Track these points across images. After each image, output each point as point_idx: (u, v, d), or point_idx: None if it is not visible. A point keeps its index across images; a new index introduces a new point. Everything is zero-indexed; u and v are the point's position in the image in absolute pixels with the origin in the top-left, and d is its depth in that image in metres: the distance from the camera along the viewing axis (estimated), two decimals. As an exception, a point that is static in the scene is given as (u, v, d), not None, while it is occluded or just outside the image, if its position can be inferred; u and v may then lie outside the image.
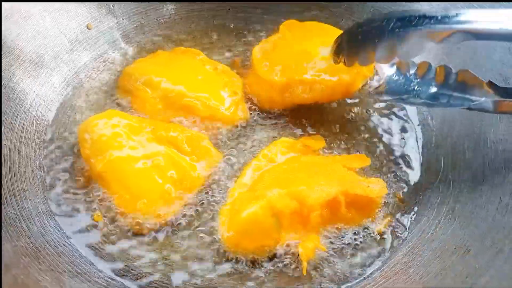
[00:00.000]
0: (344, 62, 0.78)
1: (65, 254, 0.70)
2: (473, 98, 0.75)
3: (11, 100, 0.82)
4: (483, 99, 0.74)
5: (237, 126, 0.88)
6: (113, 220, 0.76)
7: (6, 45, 0.84)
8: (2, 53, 0.83)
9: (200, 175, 0.80)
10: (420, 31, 0.65)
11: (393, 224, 0.77)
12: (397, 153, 0.86)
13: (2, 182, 0.73)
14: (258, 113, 0.90)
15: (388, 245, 0.75)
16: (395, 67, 0.85)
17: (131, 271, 0.72)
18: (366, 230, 0.76)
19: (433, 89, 0.80)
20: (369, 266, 0.73)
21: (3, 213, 0.70)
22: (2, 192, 0.72)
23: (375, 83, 0.85)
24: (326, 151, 0.85)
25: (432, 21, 0.64)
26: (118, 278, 0.71)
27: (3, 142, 0.78)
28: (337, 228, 0.75)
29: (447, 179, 0.81)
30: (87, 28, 0.97)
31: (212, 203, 0.78)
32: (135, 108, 0.89)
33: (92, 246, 0.74)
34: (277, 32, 0.93)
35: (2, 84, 0.81)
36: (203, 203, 0.78)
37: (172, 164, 0.78)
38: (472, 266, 0.65)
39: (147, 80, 0.89)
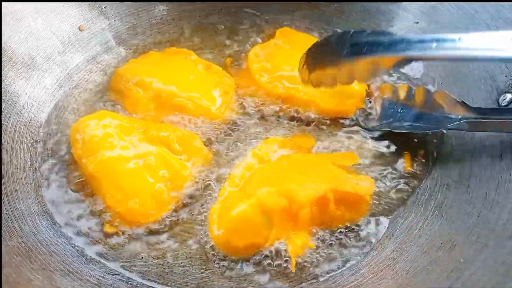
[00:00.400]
0: (312, 83, 0.80)
1: (57, 253, 0.71)
2: (452, 117, 0.78)
3: (4, 101, 0.83)
4: (459, 117, 0.77)
5: (228, 125, 0.89)
6: (105, 220, 0.76)
7: (-2, 46, 0.85)
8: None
9: (191, 174, 0.81)
10: (370, 58, 0.69)
11: (380, 221, 0.78)
12: (385, 151, 0.87)
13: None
14: (249, 112, 0.91)
15: (376, 242, 0.76)
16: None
17: (123, 270, 0.73)
18: (355, 227, 0.77)
19: (415, 112, 0.84)
20: (357, 262, 0.74)
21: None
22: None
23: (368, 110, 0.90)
24: (316, 149, 0.86)
25: (380, 48, 0.67)
26: (109, 277, 0.71)
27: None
28: (326, 225, 0.76)
29: (435, 175, 0.82)
30: (79, 29, 0.98)
31: (203, 202, 0.79)
32: (127, 109, 0.90)
33: (84, 246, 0.74)
34: (273, 37, 0.95)
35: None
36: (194, 202, 0.79)
37: (163, 164, 0.79)
38: (457, 260, 0.66)
39: (139, 81, 0.90)
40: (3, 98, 0.83)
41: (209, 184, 0.81)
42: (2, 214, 0.71)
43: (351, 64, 0.71)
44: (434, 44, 0.64)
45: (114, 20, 1.01)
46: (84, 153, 0.79)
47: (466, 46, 0.62)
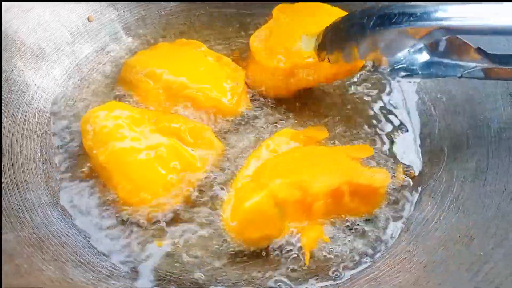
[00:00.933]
0: (328, 60, 0.77)
1: (68, 244, 0.70)
2: (464, 64, 0.74)
3: (13, 92, 0.82)
4: (473, 65, 0.72)
5: (239, 117, 0.88)
6: (116, 211, 0.75)
7: (8, 37, 0.84)
8: (3, 46, 0.83)
9: (203, 165, 0.80)
10: (400, 28, 0.65)
11: (397, 213, 0.77)
12: (400, 143, 0.85)
13: (5, 174, 0.73)
14: (260, 104, 0.90)
15: (392, 234, 0.75)
16: None
17: (135, 260, 0.72)
18: (369, 219, 0.76)
19: (425, 57, 0.78)
20: (372, 255, 0.72)
21: (6, 204, 0.69)
22: (5, 183, 0.72)
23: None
24: (329, 141, 0.85)
25: (411, 18, 0.63)
26: (122, 268, 0.70)
27: (5, 134, 0.77)
28: (340, 218, 0.75)
29: (451, 168, 0.81)
30: (88, 20, 0.97)
31: (215, 193, 0.78)
32: (137, 100, 0.89)
33: (96, 237, 0.73)
34: (271, 18, 0.93)
35: (3, 76, 0.81)
36: (206, 193, 0.78)
37: (175, 155, 0.78)
38: (476, 254, 0.65)
39: (149, 72, 0.88)
40: (12, 89, 0.82)
41: (221, 175, 0.80)
42: (13, 205, 0.70)
43: (377, 36, 0.67)
44: (471, 14, 0.59)
45: (123, 11, 1.00)
46: (95, 144, 0.77)
47: (502, 15, 0.58)
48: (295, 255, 0.72)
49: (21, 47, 0.86)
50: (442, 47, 0.77)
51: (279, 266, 0.72)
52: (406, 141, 0.86)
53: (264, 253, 0.72)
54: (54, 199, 0.76)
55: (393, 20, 0.65)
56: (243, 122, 0.87)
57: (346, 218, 0.75)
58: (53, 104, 0.88)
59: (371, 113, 0.90)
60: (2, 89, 0.80)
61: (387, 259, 0.71)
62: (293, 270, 0.71)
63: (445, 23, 0.61)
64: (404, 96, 0.92)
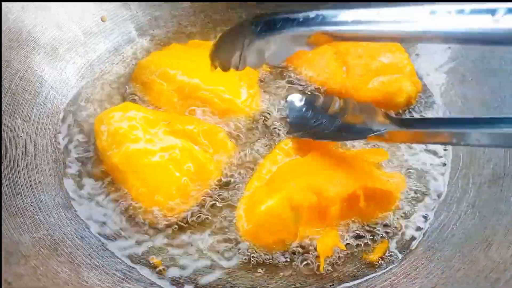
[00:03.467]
0: (221, 66, 0.75)
1: (83, 246, 0.70)
2: (374, 128, 0.73)
3: (27, 92, 0.82)
4: (383, 128, 0.72)
5: (253, 119, 0.87)
6: (130, 213, 0.75)
7: (22, 36, 0.84)
8: (17, 45, 0.83)
9: (217, 168, 0.80)
10: (284, 33, 0.64)
11: (413, 219, 0.76)
12: (416, 149, 0.85)
13: (19, 174, 0.73)
14: (274, 106, 0.89)
15: (408, 240, 0.74)
16: (303, 101, 0.86)
17: (149, 264, 0.71)
18: (385, 225, 0.75)
19: (339, 122, 0.78)
20: (388, 261, 0.72)
21: (21, 205, 0.69)
22: (20, 184, 0.72)
23: None
24: (344, 146, 0.84)
25: (294, 23, 0.63)
26: (135, 271, 0.70)
27: (19, 135, 0.77)
28: (356, 223, 0.74)
29: (466, 173, 0.80)
30: (101, 20, 0.96)
31: (229, 196, 0.78)
32: (150, 101, 0.89)
33: (110, 239, 0.73)
34: None
35: (18, 76, 0.81)
36: (220, 196, 0.78)
37: (188, 157, 0.78)
38: (495, 260, 0.64)
39: (163, 73, 0.88)
40: (26, 89, 0.82)
41: (235, 178, 0.79)
42: (27, 206, 0.70)
43: (263, 42, 0.66)
44: (351, 18, 0.58)
45: (136, 11, 1.00)
46: (109, 145, 0.77)
47: (385, 20, 0.56)
48: (310, 261, 0.71)
49: (35, 47, 0.86)
50: (356, 112, 0.77)
51: (294, 271, 0.71)
52: (421, 146, 0.85)
53: (279, 258, 0.71)
54: (67, 201, 0.76)
55: (278, 26, 0.64)
56: (257, 124, 0.86)
57: (362, 223, 0.74)
58: (66, 104, 0.87)
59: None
60: (16, 88, 0.80)
61: (403, 265, 0.71)
62: (308, 275, 0.71)
63: (325, 28, 0.61)
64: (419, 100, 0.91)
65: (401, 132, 0.72)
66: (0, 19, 0.81)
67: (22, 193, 0.72)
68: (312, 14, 0.62)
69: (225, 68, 0.75)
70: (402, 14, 0.55)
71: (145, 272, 0.71)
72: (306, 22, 0.62)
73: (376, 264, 0.72)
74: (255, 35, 0.67)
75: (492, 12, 0.47)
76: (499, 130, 0.62)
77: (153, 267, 0.71)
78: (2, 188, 0.69)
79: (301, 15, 0.63)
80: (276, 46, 0.67)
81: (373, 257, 0.72)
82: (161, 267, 0.71)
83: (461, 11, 0.50)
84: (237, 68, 0.73)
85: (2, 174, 0.71)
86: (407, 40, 0.72)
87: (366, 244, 0.73)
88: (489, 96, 0.84)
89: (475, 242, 0.69)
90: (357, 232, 0.74)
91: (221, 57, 0.74)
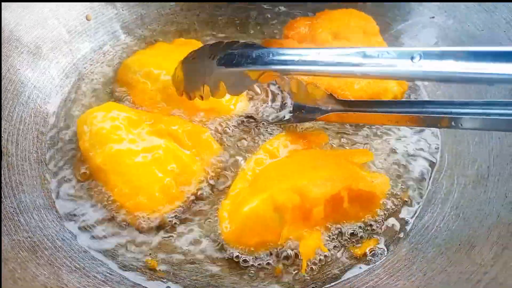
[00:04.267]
0: (186, 94, 0.80)
1: (63, 248, 0.69)
2: (323, 108, 0.79)
3: (9, 91, 0.81)
4: (329, 108, 0.78)
5: (238, 119, 0.86)
6: (112, 215, 0.74)
7: (4, 35, 0.83)
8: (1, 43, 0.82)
9: (201, 168, 0.79)
10: (239, 69, 0.70)
11: (396, 220, 0.76)
12: (399, 148, 0.84)
13: (0, 174, 0.72)
14: (259, 107, 0.88)
15: (390, 241, 0.74)
16: None
17: (131, 265, 0.71)
18: (368, 226, 0.75)
19: (294, 103, 0.84)
20: (371, 262, 0.72)
21: (2, 206, 0.68)
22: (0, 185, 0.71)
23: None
24: (328, 146, 0.84)
25: (249, 60, 0.69)
26: (116, 273, 0.69)
27: (1, 134, 0.76)
28: (339, 224, 0.74)
29: (451, 174, 0.80)
30: (86, 19, 0.95)
31: (213, 197, 0.77)
32: (134, 101, 0.88)
33: (91, 241, 0.72)
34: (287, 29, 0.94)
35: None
36: (204, 197, 0.77)
37: (172, 158, 0.77)
38: (477, 262, 0.64)
39: (147, 73, 0.87)
40: (8, 88, 0.81)
41: (219, 179, 0.79)
42: (7, 208, 0.69)
43: (222, 75, 0.72)
44: (297, 58, 0.65)
45: (122, 10, 0.99)
46: (92, 146, 0.76)
47: (324, 60, 0.63)
48: (292, 263, 0.71)
49: (18, 46, 0.85)
50: (303, 93, 0.81)
51: (277, 273, 0.71)
52: (405, 146, 0.85)
53: (262, 259, 0.71)
54: (49, 202, 0.75)
55: (234, 62, 0.70)
56: (241, 124, 0.86)
57: (345, 225, 0.74)
58: (49, 104, 0.86)
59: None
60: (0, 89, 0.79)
61: (386, 266, 0.70)
62: (290, 277, 0.70)
63: (274, 67, 0.67)
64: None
65: (349, 114, 0.77)
66: (0, 19, 0.80)
67: (2, 194, 0.71)
68: (264, 52, 0.68)
69: (191, 97, 0.79)
70: (338, 56, 0.62)
71: (128, 274, 0.70)
72: (258, 60, 0.68)
73: (359, 265, 0.71)
74: (215, 67, 0.72)
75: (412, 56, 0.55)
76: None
77: (137, 269, 0.70)
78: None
79: (254, 53, 0.68)
80: (234, 79, 0.72)
81: (358, 253, 0.72)
82: (157, 268, 0.71)
83: (388, 53, 0.58)
84: (201, 98, 0.78)
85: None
86: (343, 77, 0.80)
87: (349, 245, 0.73)
88: (475, 97, 0.84)
89: (458, 244, 0.68)
90: (340, 233, 0.73)
91: (186, 88, 0.79)
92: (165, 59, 0.90)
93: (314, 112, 0.80)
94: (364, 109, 0.75)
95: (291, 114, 0.84)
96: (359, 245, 0.73)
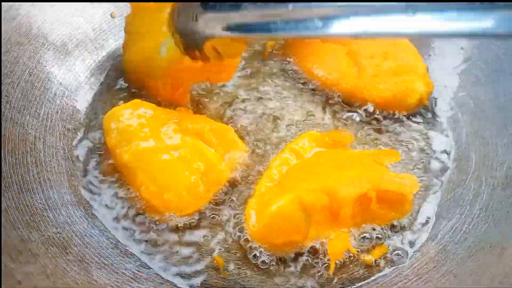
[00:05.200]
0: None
1: (92, 245, 0.69)
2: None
3: (36, 88, 0.82)
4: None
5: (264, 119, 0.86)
6: (139, 212, 0.74)
7: (32, 32, 0.83)
8: (26, 40, 0.82)
9: (227, 167, 0.79)
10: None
11: (425, 221, 0.75)
12: (427, 150, 0.84)
13: (28, 171, 0.73)
14: (286, 105, 0.88)
15: (419, 242, 0.73)
16: None
17: (158, 262, 0.71)
18: (396, 226, 0.74)
19: None
20: (400, 263, 0.71)
21: (30, 203, 0.69)
22: (29, 181, 0.71)
23: None
24: (354, 146, 0.83)
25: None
26: (144, 270, 0.69)
27: (28, 131, 0.77)
28: (367, 224, 0.73)
29: (479, 176, 0.79)
30: (111, 16, 0.96)
31: (238, 196, 0.77)
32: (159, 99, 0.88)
33: (119, 237, 0.72)
34: None
35: (28, 71, 0.80)
36: (230, 195, 0.77)
37: (198, 156, 0.77)
38: (509, 265, 0.63)
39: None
40: (35, 85, 0.82)
41: (245, 178, 0.79)
42: (36, 203, 0.69)
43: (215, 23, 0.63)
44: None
45: (146, 8, 0.99)
46: (119, 143, 0.76)
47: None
48: (320, 263, 0.70)
49: (44, 43, 0.86)
50: None
51: (303, 273, 0.70)
52: (433, 148, 0.84)
53: (289, 259, 0.71)
54: (76, 198, 0.75)
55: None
56: (267, 124, 0.85)
57: (373, 226, 0.73)
58: (75, 100, 0.87)
59: (398, 120, 0.88)
60: (26, 85, 0.80)
61: (415, 268, 0.70)
62: (317, 277, 0.70)
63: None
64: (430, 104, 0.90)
65: None
66: (0, 19, 0.80)
67: (31, 190, 0.71)
68: None
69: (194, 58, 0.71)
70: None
71: (154, 271, 0.70)
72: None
73: (387, 266, 0.71)
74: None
75: None
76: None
77: (162, 268, 0.70)
78: (12, 185, 0.69)
79: None
80: None
81: (385, 254, 0.72)
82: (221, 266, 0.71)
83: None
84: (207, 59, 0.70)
85: (13, 170, 0.71)
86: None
87: (376, 245, 0.72)
88: (502, 98, 0.83)
89: (489, 246, 0.68)
90: (367, 234, 0.73)
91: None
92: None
93: None
94: None
95: None
96: (386, 245, 0.72)
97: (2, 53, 0.78)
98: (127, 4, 0.95)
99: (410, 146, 0.84)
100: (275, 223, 0.71)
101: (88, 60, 0.92)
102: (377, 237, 0.73)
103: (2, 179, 0.68)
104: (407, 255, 0.72)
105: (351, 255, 0.71)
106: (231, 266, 0.71)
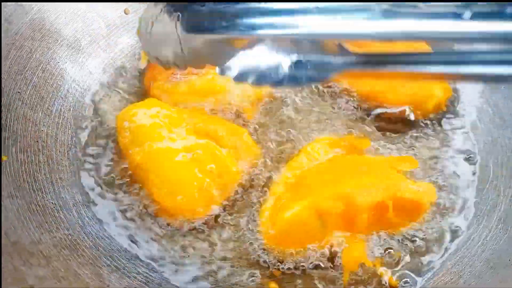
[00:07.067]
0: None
1: (104, 247, 0.68)
2: (332, 63, 0.56)
3: (49, 84, 0.80)
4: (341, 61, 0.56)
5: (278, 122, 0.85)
6: (150, 214, 0.73)
7: (45, 28, 0.82)
8: (39, 37, 0.81)
9: (240, 170, 0.78)
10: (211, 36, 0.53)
11: (441, 231, 0.74)
12: (444, 158, 0.82)
13: (40, 170, 0.72)
14: (301, 109, 0.87)
15: (436, 254, 0.72)
16: None
17: (170, 266, 0.70)
18: (413, 236, 0.73)
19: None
20: (416, 275, 0.70)
21: (42, 203, 0.68)
22: (41, 180, 0.70)
23: None
24: (370, 151, 0.82)
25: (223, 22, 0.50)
26: (156, 275, 0.69)
27: (40, 129, 0.76)
28: (383, 233, 0.72)
29: (497, 185, 0.77)
30: (125, 13, 0.94)
31: (252, 200, 0.76)
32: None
33: (130, 240, 0.71)
34: None
35: (41, 67, 0.79)
36: (242, 199, 0.76)
37: (212, 158, 0.75)
38: (531, 280, 0.62)
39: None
40: (48, 81, 0.80)
41: (259, 181, 0.77)
42: (48, 203, 0.68)
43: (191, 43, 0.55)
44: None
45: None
46: (132, 143, 0.75)
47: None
48: (334, 272, 0.69)
49: (58, 38, 0.84)
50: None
51: (317, 280, 0.69)
52: (450, 156, 0.83)
53: (302, 266, 0.70)
54: (88, 199, 0.74)
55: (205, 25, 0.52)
56: (282, 127, 0.84)
57: (389, 234, 0.72)
58: (87, 98, 0.86)
59: (415, 127, 0.86)
60: (39, 81, 0.79)
61: (432, 280, 0.69)
62: (332, 286, 0.69)
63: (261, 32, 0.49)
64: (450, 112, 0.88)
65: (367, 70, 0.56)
66: (0, 19, 0.78)
67: (43, 189, 0.70)
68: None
69: (165, 68, 0.63)
70: None
71: (166, 275, 0.69)
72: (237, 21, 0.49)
73: (403, 279, 0.69)
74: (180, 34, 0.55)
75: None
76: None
77: (175, 272, 0.69)
78: (24, 184, 0.68)
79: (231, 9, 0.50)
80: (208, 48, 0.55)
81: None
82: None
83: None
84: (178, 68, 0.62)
85: (24, 168, 0.70)
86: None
87: (392, 255, 0.71)
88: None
89: (508, 259, 0.66)
90: (384, 243, 0.71)
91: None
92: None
93: (321, 69, 0.58)
94: (385, 63, 0.55)
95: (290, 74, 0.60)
96: (402, 257, 0.71)
97: (15, 49, 0.76)
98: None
99: (427, 153, 0.82)
100: (290, 229, 0.69)
101: (101, 57, 0.90)
102: (391, 248, 0.71)
103: (13, 178, 0.67)
104: (424, 267, 0.70)
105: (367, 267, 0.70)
106: (244, 272, 0.70)
